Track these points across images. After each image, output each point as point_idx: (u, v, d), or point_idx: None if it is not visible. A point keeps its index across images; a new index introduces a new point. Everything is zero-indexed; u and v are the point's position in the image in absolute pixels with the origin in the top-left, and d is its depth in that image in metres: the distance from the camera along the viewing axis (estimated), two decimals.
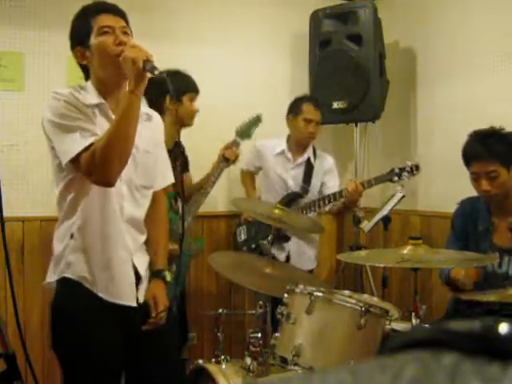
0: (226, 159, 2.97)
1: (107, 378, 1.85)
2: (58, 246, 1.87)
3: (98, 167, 1.68)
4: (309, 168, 3.27)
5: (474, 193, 2.48)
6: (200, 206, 2.93)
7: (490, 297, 2.04)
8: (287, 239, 3.22)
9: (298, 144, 3.27)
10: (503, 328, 0.32)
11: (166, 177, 2.06)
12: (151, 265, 1.98)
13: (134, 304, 1.87)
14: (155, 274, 1.97)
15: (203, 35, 3.60)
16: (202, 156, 3.24)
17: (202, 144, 3.35)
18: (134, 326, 1.88)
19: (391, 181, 2.98)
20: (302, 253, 3.26)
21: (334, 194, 3.08)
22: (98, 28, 1.79)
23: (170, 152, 2.74)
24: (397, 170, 2.95)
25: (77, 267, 1.82)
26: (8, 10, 3.11)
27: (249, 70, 3.75)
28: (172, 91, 1.80)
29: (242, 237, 3.30)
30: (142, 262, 1.93)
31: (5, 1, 3.11)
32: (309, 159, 3.28)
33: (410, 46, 3.73)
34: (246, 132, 3.04)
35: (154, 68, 1.69)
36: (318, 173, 3.27)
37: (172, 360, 2.04)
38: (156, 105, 2.80)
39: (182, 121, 2.77)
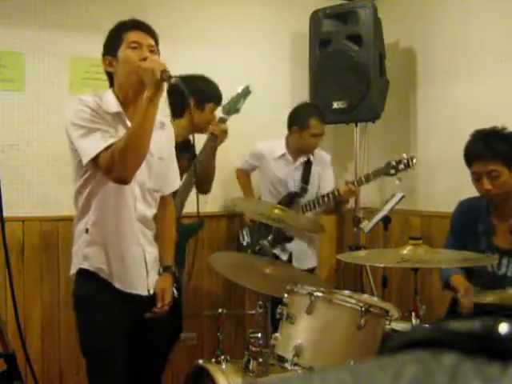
0: (215, 136, 2.84)
1: (117, 352, 2.05)
2: (76, 242, 2.08)
3: (116, 166, 1.87)
4: (307, 167, 3.27)
5: (473, 193, 2.48)
6: (190, 188, 2.80)
7: (490, 298, 2.04)
8: (290, 240, 3.23)
9: (299, 152, 3.27)
10: (503, 328, 0.32)
11: (174, 183, 2.27)
12: (161, 260, 2.20)
13: (146, 293, 2.09)
14: (165, 269, 2.19)
15: (203, 35, 3.60)
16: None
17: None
18: (141, 313, 2.09)
19: (388, 174, 2.97)
20: (303, 252, 3.26)
21: (328, 195, 3.10)
22: (127, 42, 1.99)
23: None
24: (393, 163, 2.96)
25: (93, 259, 2.03)
26: (8, 10, 3.11)
27: (249, 70, 3.75)
28: (187, 96, 2.00)
29: (246, 239, 3.30)
30: (151, 256, 2.14)
31: (5, 1, 3.10)
32: (308, 159, 3.28)
33: (410, 46, 3.72)
34: (233, 107, 2.88)
35: (170, 77, 1.88)
36: (315, 171, 3.28)
37: (158, 350, 2.27)
38: (178, 106, 2.82)
39: (197, 127, 2.77)
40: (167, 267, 2.20)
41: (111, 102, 2.00)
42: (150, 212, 2.12)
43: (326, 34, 3.56)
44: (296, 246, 3.24)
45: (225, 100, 2.90)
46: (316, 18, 3.60)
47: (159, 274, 2.17)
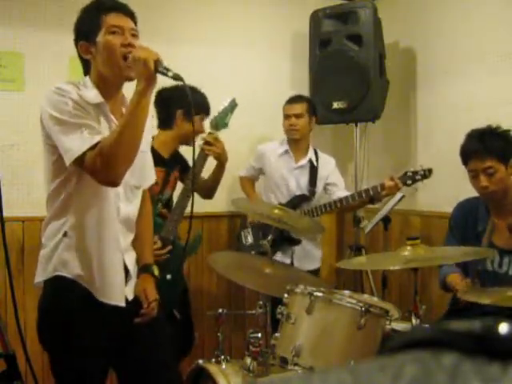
0: (208, 143, 2.77)
1: (92, 378, 1.85)
2: (47, 244, 1.84)
3: (104, 166, 1.66)
4: (313, 171, 3.26)
5: (473, 193, 2.48)
6: (184, 207, 2.71)
7: (490, 298, 2.03)
8: (297, 243, 3.20)
9: (291, 143, 3.27)
10: (503, 328, 0.32)
11: (151, 176, 2.06)
12: (139, 260, 1.98)
13: (123, 304, 1.86)
14: (143, 268, 1.98)
15: (203, 35, 3.60)
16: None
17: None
18: (122, 325, 1.87)
19: (405, 184, 2.96)
20: (306, 253, 3.25)
21: (367, 190, 3.01)
22: (107, 26, 1.77)
23: (164, 162, 2.74)
24: (410, 174, 2.95)
25: (72, 265, 1.80)
26: (8, 10, 3.11)
27: (249, 70, 3.75)
28: (190, 98, 1.78)
29: (249, 240, 3.29)
30: (131, 259, 1.94)
31: (5, 1, 3.10)
32: (311, 161, 3.27)
33: (409, 46, 3.73)
34: (221, 121, 2.84)
35: (167, 69, 1.69)
36: (321, 175, 3.27)
37: (160, 358, 2.01)
38: (166, 117, 2.79)
39: (184, 139, 2.76)
40: (146, 266, 1.99)
41: (91, 92, 1.78)
42: (133, 211, 1.93)
43: (326, 33, 3.56)
44: (298, 248, 3.23)
45: (212, 115, 2.85)
46: (316, 18, 3.60)
47: (137, 275, 1.96)
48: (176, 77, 1.71)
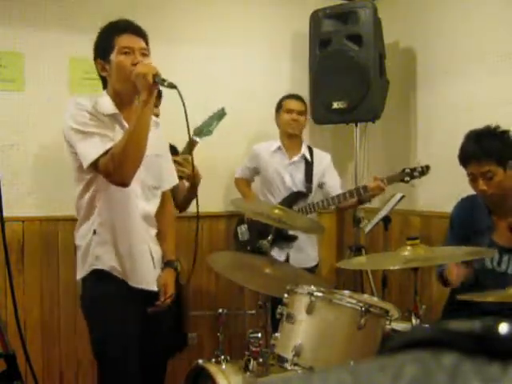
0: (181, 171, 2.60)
1: (132, 351, 2.07)
2: (81, 244, 2.10)
3: (115, 169, 1.91)
4: (309, 167, 3.28)
5: (473, 192, 2.48)
6: None
7: (489, 297, 2.03)
8: (293, 239, 3.22)
9: (287, 137, 3.30)
10: (503, 328, 0.32)
11: (171, 179, 2.31)
12: (164, 256, 2.24)
13: (155, 288, 2.14)
14: (167, 263, 2.24)
15: (203, 35, 3.60)
16: (199, 156, 3.23)
17: (202, 144, 3.34)
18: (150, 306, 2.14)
19: (403, 181, 3.00)
20: (301, 251, 3.26)
21: (352, 191, 3.07)
22: (119, 47, 2.00)
23: None
24: (408, 170, 2.99)
25: (105, 258, 2.05)
26: (8, 10, 3.11)
27: (249, 70, 3.75)
28: (181, 98, 1.92)
29: (245, 236, 3.31)
30: (157, 252, 2.19)
31: (5, 1, 3.10)
32: (305, 157, 3.30)
33: (410, 46, 3.72)
34: (205, 128, 2.84)
35: (163, 80, 1.91)
36: (316, 171, 3.29)
37: (162, 347, 2.30)
38: None
39: None
40: (169, 262, 2.24)
41: (107, 104, 2.03)
42: (152, 209, 2.17)
43: (326, 33, 3.56)
44: (294, 245, 3.24)
45: (198, 122, 2.83)
46: (316, 18, 3.60)
47: (162, 269, 2.22)
48: (171, 85, 1.92)
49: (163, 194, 2.26)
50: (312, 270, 3.20)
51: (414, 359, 0.32)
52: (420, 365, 0.31)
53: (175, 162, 2.65)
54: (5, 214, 1.82)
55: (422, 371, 0.31)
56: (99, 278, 2.06)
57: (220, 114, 2.91)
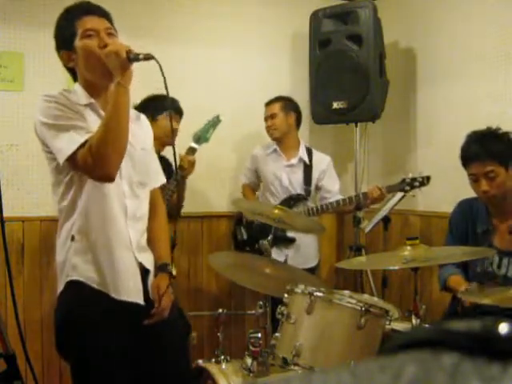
0: (183, 168, 2.83)
1: (119, 378, 1.83)
2: (60, 252, 1.86)
3: (95, 162, 1.69)
4: (307, 170, 3.28)
5: (473, 193, 2.48)
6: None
7: (490, 299, 2.03)
8: (290, 241, 3.22)
9: (276, 142, 3.35)
10: (503, 328, 0.32)
11: (158, 177, 2.09)
12: (156, 260, 1.99)
13: (141, 302, 1.86)
14: (160, 267, 1.98)
15: (203, 35, 3.60)
16: (199, 156, 3.24)
17: (202, 145, 3.35)
18: (141, 325, 1.86)
19: (403, 190, 3.00)
20: (299, 252, 3.25)
21: (351, 198, 3.11)
22: (82, 31, 1.79)
23: None
24: (408, 180, 2.98)
25: (82, 268, 1.81)
26: (8, 10, 3.11)
27: (249, 70, 3.75)
28: (162, 71, 1.71)
29: (244, 236, 3.32)
30: (149, 259, 1.95)
31: (4, 1, 3.10)
32: (304, 160, 3.30)
33: (410, 46, 3.73)
34: (203, 135, 2.91)
35: (137, 54, 1.71)
36: (315, 174, 3.30)
37: (174, 361, 1.97)
38: None
39: (159, 141, 2.73)
40: (163, 266, 1.99)
41: (80, 94, 1.83)
42: (143, 209, 1.94)
43: (326, 33, 3.56)
44: (293, 246, 3.24)
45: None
46: (316, 18, 3.60)
47: (155, 274, 1.96)
48: (147, 57, 1.72)
49: (153, 194, 2.03)
50: (312, 271, 3.19)
51: (413, 359, 0.32)
52: (420, 365, 0.31)
53: (180, 166, 2.80)
54: (5, 214, 1.82)
55: (422, 371, 0.31)
56: (75, 290, 1.81)
57: (215, 122, 2.95)
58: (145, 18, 3.36)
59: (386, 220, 3.31)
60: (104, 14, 1.86)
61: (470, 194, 2.52)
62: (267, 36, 3.80)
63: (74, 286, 1.81)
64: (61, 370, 3.22)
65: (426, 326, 0.37)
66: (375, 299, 2.47)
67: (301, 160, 3.30)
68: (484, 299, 2.01)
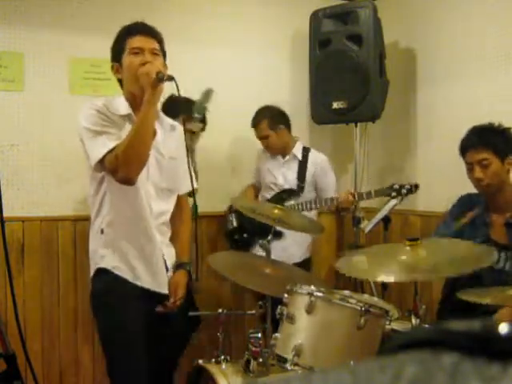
0: (191, 131, 2.93)
1: (140, 352, 2.09)
2: (92, 242, 2.16)
3: (120, 167, 1.94)
4: (301, 166, 3.31)
5: (474, 192, 2.49)
6: None
7: (489, 298, 2.03)
8: (279, 235, 3.21)
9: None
10: (503, 328, 0.32)
11: (186, 183, 2.28)
12: (176, 258, 2.28)
13: (166, 291, 2.18)
14: (180, 265, 2.28)
15: (203, 35, 3.60)
16: (199, 156, 3.24)
17: (202, 145, 3.35)
18: (153, 310, 2.18)
19: (389, 195, 3.00)
20: (283, 249, 3.21)
21: (326, 200, 3.16)
22: (130, 48, 2.07)
23: None
24: (396, 186, 2.98)
25: (109, 258, 2.10)
26: (8, 10, 3.11)
27: (249, 70, 3.75)
28: (178, 87, 1.98)
29: (234, 223, 3.36)
30: (169, 254, 2.23)
31: (4, 1, 3.10)
32: (297, 157, 3.34)
33: (409, 46, 3.72)
34: (201, 107, 2.99)
35: (164, 76, 1.95)
36: (310, 171, 3.33)
37: (174, 346, 2.40)
38: None
39: None
40: (182, 264, 2.28)
41: (121, 105, 2.10)
42: (166, 210, 2.21)
43: (326, 33, 3.56)
44: (277, 243, 3.22)
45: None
46: (316, 18, 3.60)
47: (173, 271, 2.26)
48: (169, 78, 1.96)
49: (180, 199, 2.30)
50: (301, 266, 3.16)
51: (413, 359, 0.32)
52: (420, 365, 0.31)
53: (194, 118, 2.94)
54: (5, 214, 1.82)
55: (422, 371, 0.31)
56: (102, 276, 2.12)
57: (208, 92, 3.00)
58: (144, 18, 3.35)
59: (386, 220, 3.30)
60: (154, 35, 2.12)
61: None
62: (267, 36, 3.80)
63: (102, 273, 2.11)
64: (61, 370, 3.22)
65: (426, 326, 0.37)
66: (375, 299, 2.47)
67: (294, 157, 3.34)
68: (484, 299, 2.01)
